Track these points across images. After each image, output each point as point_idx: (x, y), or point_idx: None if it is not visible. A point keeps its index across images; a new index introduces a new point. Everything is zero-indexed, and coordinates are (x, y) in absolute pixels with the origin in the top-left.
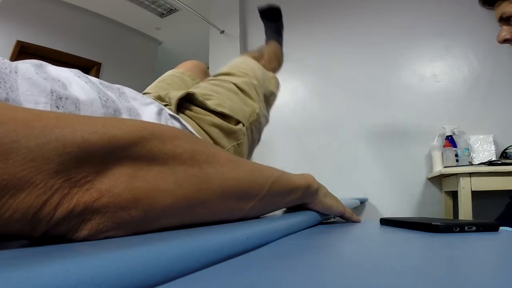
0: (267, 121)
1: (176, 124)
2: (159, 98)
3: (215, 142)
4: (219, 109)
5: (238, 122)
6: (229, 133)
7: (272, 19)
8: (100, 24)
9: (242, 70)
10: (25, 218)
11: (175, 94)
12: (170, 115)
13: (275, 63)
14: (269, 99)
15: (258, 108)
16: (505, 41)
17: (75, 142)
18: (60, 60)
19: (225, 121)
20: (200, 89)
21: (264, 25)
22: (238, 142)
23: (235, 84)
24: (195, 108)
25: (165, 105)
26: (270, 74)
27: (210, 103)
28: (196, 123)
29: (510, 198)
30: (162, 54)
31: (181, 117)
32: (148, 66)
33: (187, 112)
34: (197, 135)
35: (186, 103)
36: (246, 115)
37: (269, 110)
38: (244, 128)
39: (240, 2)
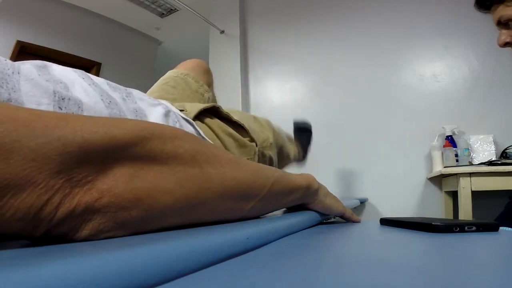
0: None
1: (189, 128)
2: (181, 107)
3: (228, 150)
4: (241, 122)
5: (252, 140)
6: (242, 146)
7: (303, 133)
8: (100, 24)
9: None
10: (26, 217)
11: (200, 106)
12: (185, 119)
13: (294, 150)
14: (283, 156)
15: (272, 139)
16: (506, 44)
17: (76, 142)
18: (60, 60)
19: (240, 135)
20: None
21: (294, 136)
22: (249, 157)
23: (253, 116)
24: (214, 118)
25: (181, 111)
26: (292, 145)
27: (233, 115)
28: (212, 130)
29: (509, 198)
30: (162, 54)
31: (196, 123)
32: (148, 66)
33: (206, 120)
34: (210, 141)
35: (206, 113)
36: (260, 139)
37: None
38: (256, 148)
39: (240, 2)
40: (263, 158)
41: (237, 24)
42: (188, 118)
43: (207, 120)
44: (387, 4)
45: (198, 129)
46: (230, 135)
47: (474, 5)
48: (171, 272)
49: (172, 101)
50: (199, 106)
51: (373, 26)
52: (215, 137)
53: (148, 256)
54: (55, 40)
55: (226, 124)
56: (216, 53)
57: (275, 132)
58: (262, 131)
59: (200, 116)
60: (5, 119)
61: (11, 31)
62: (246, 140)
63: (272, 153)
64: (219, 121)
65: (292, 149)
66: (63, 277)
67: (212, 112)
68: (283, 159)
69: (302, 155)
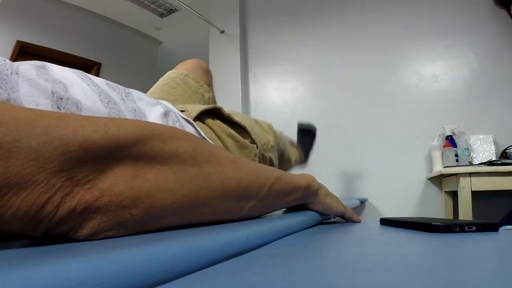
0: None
1: (190, 128)
2: (182, 107)
3: (228, 151)
4: (242, 122)
5: (252, 142)
6: (242, 147)
7: (307, 135)
8: (100, 24)
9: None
10: (27, 216)
11: (201, 107)
12: (185, 119)
13: (295, 154)
14: (284, 160)
15: (273, 142)
16: None
17: (77, 141)
18: (60, 60)
19: (241, 136)
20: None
21: (297, 137)
22: (249, 158)
23: (255, 119)
24: (215, 119)
25: (182, 111)
26: (295, 149)
27: (234, 116)
28: (213, 131)
29: None
30: (162, 54)
31: (196, 124)
32: (148, 66)
33: (207, 120)
34: (210, 141)
35: (207, 114)
36: (261, 141)
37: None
38: (256, 149)
39: (240, 2)
40: (263, 161)
41: (237, 24)
42: (188, 118)
43: (208, 121)
44: (387, 4)
45: (199, 129)
46: (230, 136)
47: (494, 0)
48: (171, 272)
49: (173, 102)
50: (200, 107)
51: (373, 26)
52: (215, 137)
53: (148, 256)
54: (55, 40)
55: (227, 125)
56: (216, 53)
57: (276, 135)
58: (263, 133)
59: (201, 116)
60: (6, 118)
61: (11, 31)
62: (247, 141)
63: (272, 155)
64: (220, 122)
65: (294, 153)
66: (63, 277)
67: (213, 113)
68: (284, 163)
69: (304, 158)
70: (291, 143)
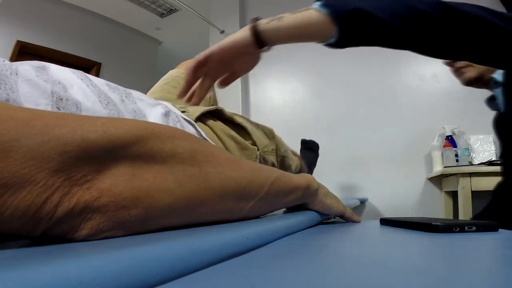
0: None
1: (191, 129)
2: (183, 108)
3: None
4: (244, 124)
5: (253, 144)
6: (243, 148)
7: (310, 152)
8: (100, 24)
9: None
10: (25, 216)
11: (202, 108)
12: (186, 120)
13: (296, 163)
14: (284, 167)
15: (274, 147)
16: None
17: (75, 140)
18: (60, 60)
19: (242, 138)
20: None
21: (300, 153)
22: (250, 160)
23: (256, 123)
24: (216, 120)
25: (182, 112)
26: (296, 157)
27: (236, 118)
28: (214, 132)
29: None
30: (162, 54)
31: (198, 125)
32: (148, 66)
33: (208, 121)
34: (211, 142)
35: (208, 115)
36: (262, 144)
37: None
38: (257, 151)
39: (240, 2)
40: (264, 163)
41: (237, 24)
42: (189, 119)
43: (209, 122)
44: None
45: (200, 130)
46: (231, 137)
47: None
48: (171, 272)
49: (174, 101)
50: (202, 108)
51: None
52: (216, 138)
53: (148, 256)
54: (55, 40)
55: (228, 126)
56: None
57: (278, 140)
58: (264, 137)
59: (202, 118)
60: (4, 118)
61: (11, 31)
62: (248, 143)
63: (273, 159)
64: (221, 123)
65: (295, 161)
66: (63, 277)
67: (214, 114)
68: (284, 170)
69: (307, 171)
70: (293, 152)
